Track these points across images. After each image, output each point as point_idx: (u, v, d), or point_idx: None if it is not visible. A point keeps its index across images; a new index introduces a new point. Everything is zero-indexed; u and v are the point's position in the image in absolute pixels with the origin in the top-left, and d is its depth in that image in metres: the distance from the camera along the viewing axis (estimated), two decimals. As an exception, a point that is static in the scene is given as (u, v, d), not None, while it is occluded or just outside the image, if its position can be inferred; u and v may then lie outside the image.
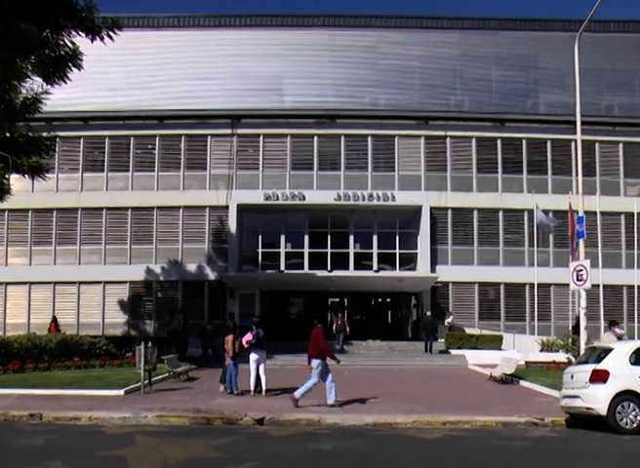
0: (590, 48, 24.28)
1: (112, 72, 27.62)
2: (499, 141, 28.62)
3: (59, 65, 16.29)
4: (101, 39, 16.06)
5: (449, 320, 26.06)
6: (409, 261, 28.62)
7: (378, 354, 24.54)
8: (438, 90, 28.22)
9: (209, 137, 28.54)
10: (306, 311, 30.75)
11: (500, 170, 28.50)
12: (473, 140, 28.61)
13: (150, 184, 28.31)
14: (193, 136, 28.57)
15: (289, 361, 21.51)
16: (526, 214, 27.79)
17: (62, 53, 16.24)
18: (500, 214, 28.29)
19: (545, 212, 25.51)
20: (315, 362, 12.69)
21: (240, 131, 28.48)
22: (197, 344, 22.66)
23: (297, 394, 12.60)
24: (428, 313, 25.54)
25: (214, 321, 23.87)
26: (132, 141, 28.58)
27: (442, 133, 28.55)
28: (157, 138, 28.56)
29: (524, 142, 28.66)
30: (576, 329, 24.53)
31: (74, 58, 16.27)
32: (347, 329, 24.25)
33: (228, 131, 28.43)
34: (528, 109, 28.53)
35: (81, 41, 16.45)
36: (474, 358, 22.70)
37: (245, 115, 28.33)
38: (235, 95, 27.96)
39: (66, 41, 16.27)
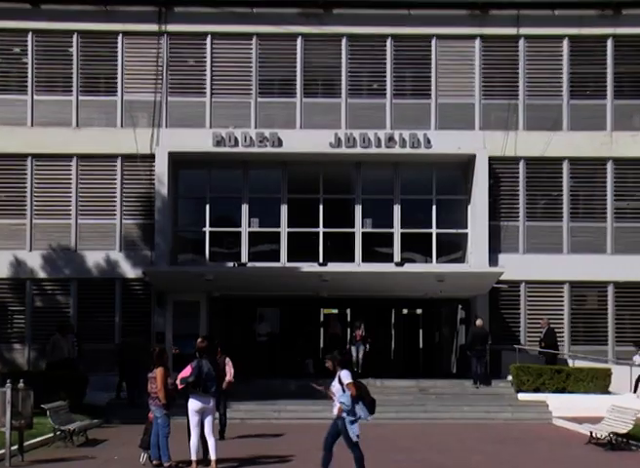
0: None
1: None
2: (609, 43, 28.40)
3: None
4: None
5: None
6: (454, 248, 28.83)
7: (402, 400, 24.69)
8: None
9: (120, 37, 28.23)
10: (285, 330, 30.68)
11: (609, 92, 28.38)
12: (565, 42, 28.41)
13: (20, 116, 28.06)
14: (93, 35, 28.25)
15: (255, 411, 21.62)
16: (654, 167, 27.97)
17: None
18: (610, 166, 28.23)
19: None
20: None
21: (173, 26, 28.20)
22: (101, 383, 23.08)
23: None
24: (479, 321, 25.93)
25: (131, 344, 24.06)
26: (-14, 41, 28.37)
27: (511, 30, 28.33)
28: (30, 37, 28.15)
29: (653, 44, 28.65)
30: (549, 343, 25.23)
31: None
32: (228, 378, 18.86)
33: (153, 26, 28.12)
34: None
35: None
36: (563, 407, 22.95)
37: (181, -1, 28.15)
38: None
39: None
